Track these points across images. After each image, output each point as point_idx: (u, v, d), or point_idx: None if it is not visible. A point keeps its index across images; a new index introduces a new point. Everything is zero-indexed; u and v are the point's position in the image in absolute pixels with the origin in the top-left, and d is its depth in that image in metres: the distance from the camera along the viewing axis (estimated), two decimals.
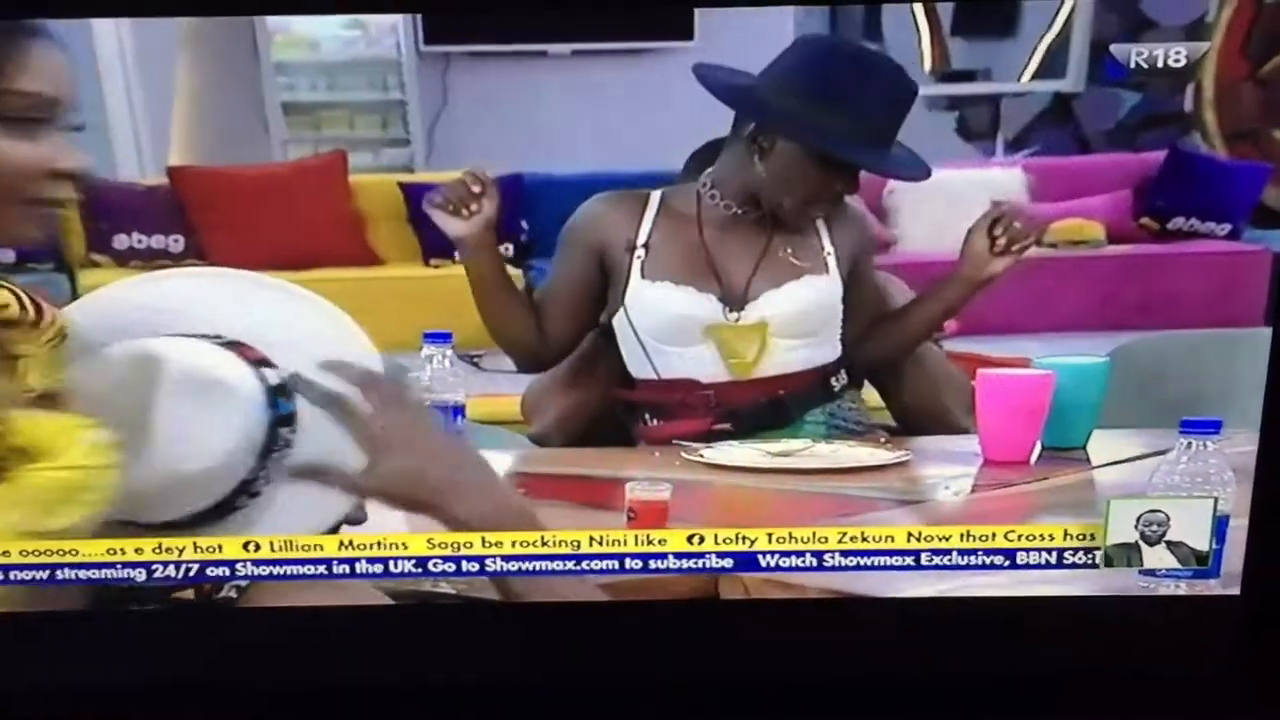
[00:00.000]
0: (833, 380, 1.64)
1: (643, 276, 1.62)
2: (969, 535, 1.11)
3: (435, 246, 2.77)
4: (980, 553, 1.11)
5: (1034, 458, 1.41)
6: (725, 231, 1.61)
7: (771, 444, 1.52)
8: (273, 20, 3.00)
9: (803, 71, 1.53)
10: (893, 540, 1.11)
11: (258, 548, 1.04)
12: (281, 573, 1.06)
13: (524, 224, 2.82)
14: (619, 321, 1.64)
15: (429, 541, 1.07)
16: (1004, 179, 2.91)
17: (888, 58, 1.60)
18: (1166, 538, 1.13)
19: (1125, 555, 1.13)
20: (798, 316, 1.60)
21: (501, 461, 1.51)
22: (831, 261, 1.62)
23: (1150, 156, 2.85)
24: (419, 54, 3.11)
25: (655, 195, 1.63)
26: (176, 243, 2.65)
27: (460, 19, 2.99)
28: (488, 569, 1.07)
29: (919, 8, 2.75)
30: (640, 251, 1.61)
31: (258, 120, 3.04)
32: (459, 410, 1.32)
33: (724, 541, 1.10)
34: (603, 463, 1.57)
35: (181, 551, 1.02)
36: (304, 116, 3.14)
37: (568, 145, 2.89)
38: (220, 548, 1.03)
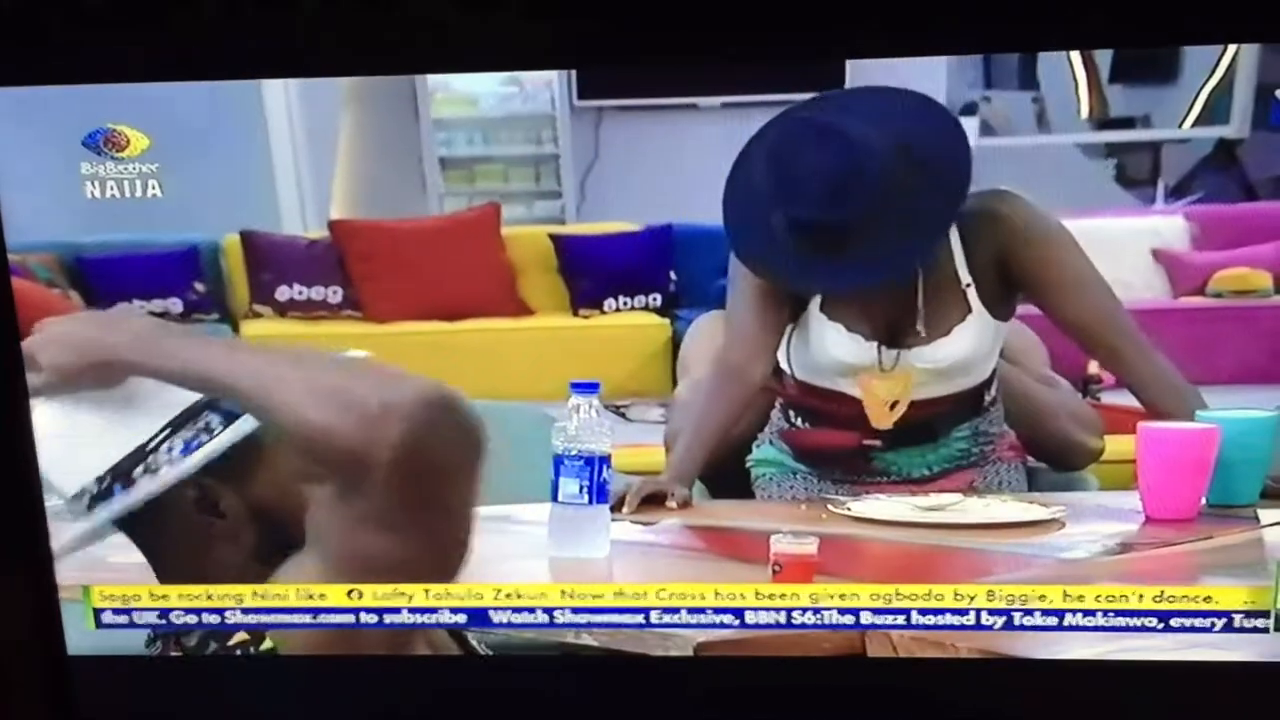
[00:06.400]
0: (985, 395, 1.59)
1: (821, 309, 1.56)
2: (1128, 596, 1.08)
3: (584, 297, 2.82)
4: (1140, 614, 1.08)
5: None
6: None
7: (921, 498, 1.49)
8: (433, 79, 3.09)
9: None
10: (1046, 600, 1.08)
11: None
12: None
13: (672, 275, 2.85)
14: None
15: (562, 593, 1.08)
16: (1166, 227, 2.83)
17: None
18: None
19: None
20: (944, 371, 1.56)
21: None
22: (973, 295, 1.53)
23: None
24: (572, 109, 3.17)
25: None
26: (335, 294, 2.73)
27: (612, 74, 3.05)
28: (617, 621, 1.07)
29: (1076, 55, 2.71)
30: None
31: (416, 175, 3.13)
32: (605, 460, 1.33)
33: (872, 598, 1.08)
34: (748, 515, 1.56)
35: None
36: (460, 170, 3.22)
37: (717, 197, 2.90)
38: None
